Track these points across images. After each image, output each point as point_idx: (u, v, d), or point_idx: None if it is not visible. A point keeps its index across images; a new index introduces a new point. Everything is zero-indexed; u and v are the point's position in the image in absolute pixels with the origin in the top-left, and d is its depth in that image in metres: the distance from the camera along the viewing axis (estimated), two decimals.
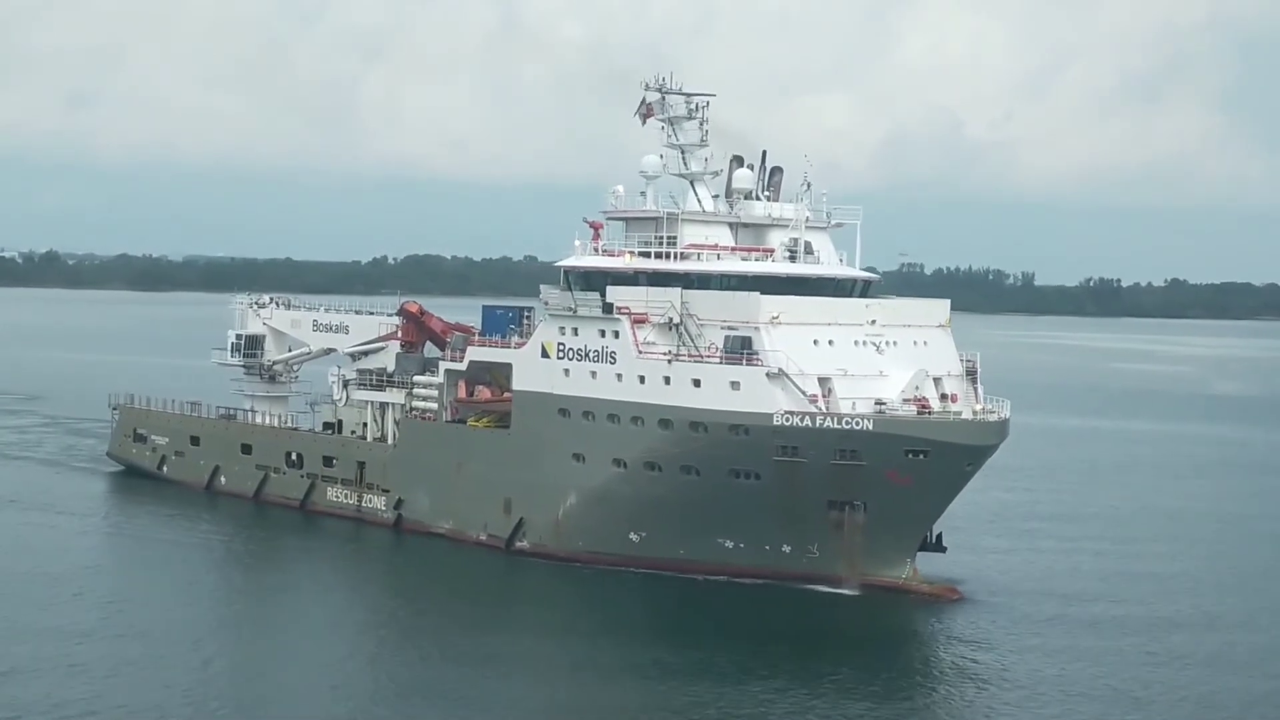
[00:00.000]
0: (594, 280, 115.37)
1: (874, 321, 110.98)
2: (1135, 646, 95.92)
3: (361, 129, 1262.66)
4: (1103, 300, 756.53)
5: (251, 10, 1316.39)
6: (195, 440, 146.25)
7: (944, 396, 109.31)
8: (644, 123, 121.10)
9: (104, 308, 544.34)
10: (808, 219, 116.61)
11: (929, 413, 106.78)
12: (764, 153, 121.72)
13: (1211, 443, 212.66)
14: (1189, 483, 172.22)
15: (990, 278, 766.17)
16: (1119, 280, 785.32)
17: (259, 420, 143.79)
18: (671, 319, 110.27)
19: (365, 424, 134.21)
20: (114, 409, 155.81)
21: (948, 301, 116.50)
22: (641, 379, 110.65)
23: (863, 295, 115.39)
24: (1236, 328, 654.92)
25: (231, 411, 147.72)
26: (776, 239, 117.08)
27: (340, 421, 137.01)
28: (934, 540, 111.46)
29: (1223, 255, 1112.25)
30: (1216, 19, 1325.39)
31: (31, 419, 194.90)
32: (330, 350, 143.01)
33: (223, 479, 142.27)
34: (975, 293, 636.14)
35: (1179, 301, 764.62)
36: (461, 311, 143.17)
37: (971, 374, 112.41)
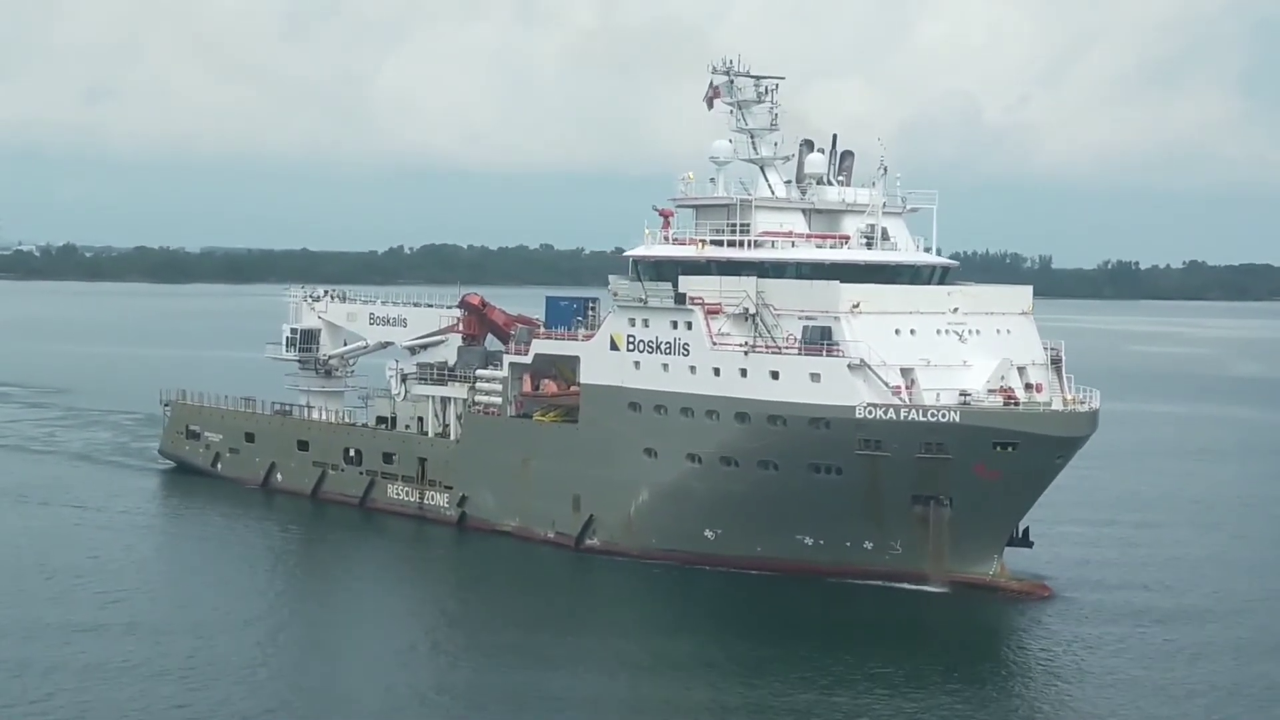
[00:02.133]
0: (665, 270, 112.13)
1: (956, 310, 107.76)
2: (1233, 640, 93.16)
3: (377, 120, 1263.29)
4: (1121, 283, 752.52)
5: (267, 3, 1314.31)
6: (250, 437, 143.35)
7: (1028, 386, 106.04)
8: (710, 106, 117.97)
9: (124, 300, 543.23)
10: (884, 204, 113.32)
11: (1015, 404, 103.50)
12: (834, 136, 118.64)
13: (1255, 426, 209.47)
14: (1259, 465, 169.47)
15: (1008, 261, 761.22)
16: (1137, 263, 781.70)
17: (315, 416, 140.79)
18: (747, 309, 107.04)
19: (420, 418, 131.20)
20: (165, 405, 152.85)
21: (1029, 288, 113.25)
22: (716, 371, 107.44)
23: (941, 282, 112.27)
24: (1256, 309, 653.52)
25: (287, 407, 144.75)
26: (851, 225, 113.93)
27: (394, 416, 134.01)
28: (1020, 535, 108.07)
29: (1241, 237, 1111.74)
30: (1235, 2, 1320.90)
31: (73, 414, 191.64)
32: (387, 344, 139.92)
33: (279, 476, 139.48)
34: (992, 276, 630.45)
35: (1198, 283, 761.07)
36: (519, 301, 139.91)
37: (1056, 363, 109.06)
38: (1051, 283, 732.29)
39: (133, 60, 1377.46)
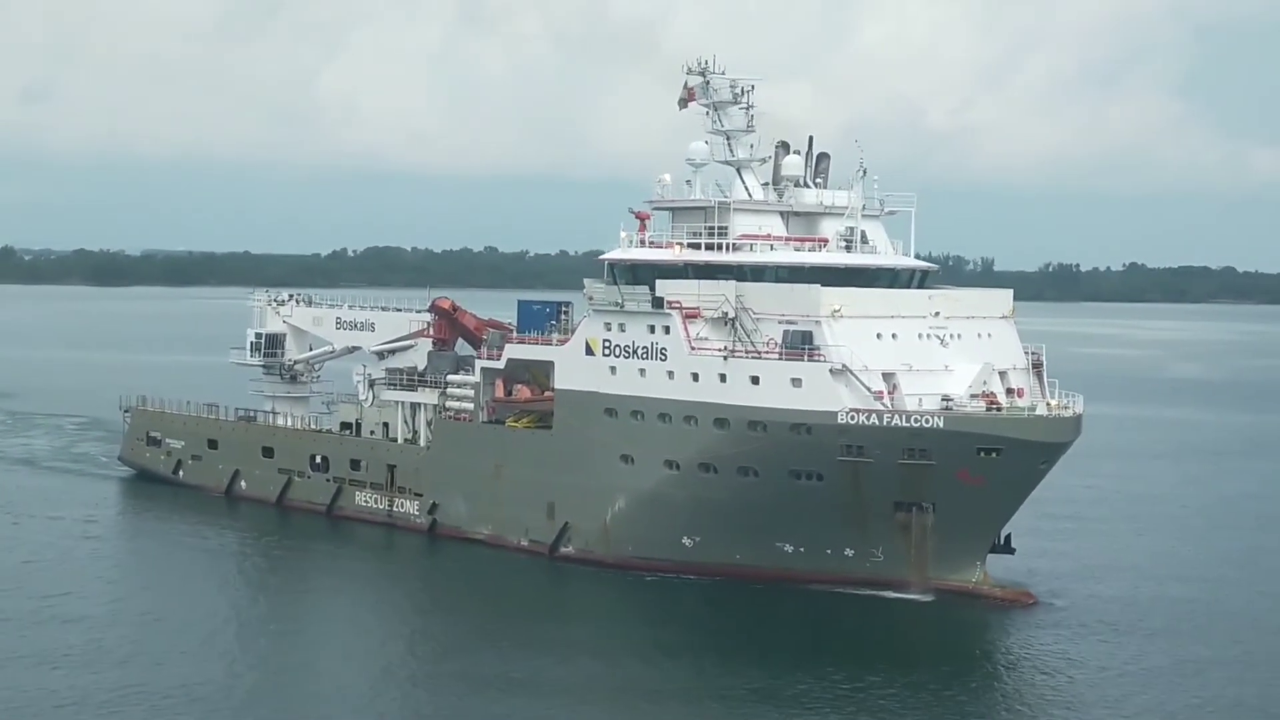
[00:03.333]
0: (641, 273, 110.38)
1: (937, 313, 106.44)
2: (1218, 653, 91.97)
3: (319, 122, 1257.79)
4: (1062, 285, 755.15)
5: (207, 4, 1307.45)
6: (213, 443, 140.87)
7: (1010, 391, 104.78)
8: (682, 107, 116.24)
9: (64, 303, 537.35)
10: (863, 207, 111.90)
11: (998, 409, 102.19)
12: (810, 138, 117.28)
13: (1195, 427, 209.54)
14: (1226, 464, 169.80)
15: (950, 264, 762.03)
16: (1078, 265, 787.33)
17: (280, 422, 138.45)
18: (726, 313, 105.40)
19: (386, 424, 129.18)
20: (125, 411, 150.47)
21: (1010, 292, 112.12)
22: (695, 376, 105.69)
23: (920, 286, 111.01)
24: (1194, 311, 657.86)
25: (251, 413, 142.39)
26: (829, 228, 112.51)
27: (358, 422, 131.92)
28: (1002, 542, 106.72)
29: (1180, 239, 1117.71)
30: (1175, 7, 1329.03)
31: (24, 422, 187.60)
32: (354, 349, 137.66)
33: (243, 483, 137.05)
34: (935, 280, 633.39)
35: (1137, 285, 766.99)
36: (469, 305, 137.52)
37: (1037, 367, 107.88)
38: (993, 285, 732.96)
39: (69, 61, 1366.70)
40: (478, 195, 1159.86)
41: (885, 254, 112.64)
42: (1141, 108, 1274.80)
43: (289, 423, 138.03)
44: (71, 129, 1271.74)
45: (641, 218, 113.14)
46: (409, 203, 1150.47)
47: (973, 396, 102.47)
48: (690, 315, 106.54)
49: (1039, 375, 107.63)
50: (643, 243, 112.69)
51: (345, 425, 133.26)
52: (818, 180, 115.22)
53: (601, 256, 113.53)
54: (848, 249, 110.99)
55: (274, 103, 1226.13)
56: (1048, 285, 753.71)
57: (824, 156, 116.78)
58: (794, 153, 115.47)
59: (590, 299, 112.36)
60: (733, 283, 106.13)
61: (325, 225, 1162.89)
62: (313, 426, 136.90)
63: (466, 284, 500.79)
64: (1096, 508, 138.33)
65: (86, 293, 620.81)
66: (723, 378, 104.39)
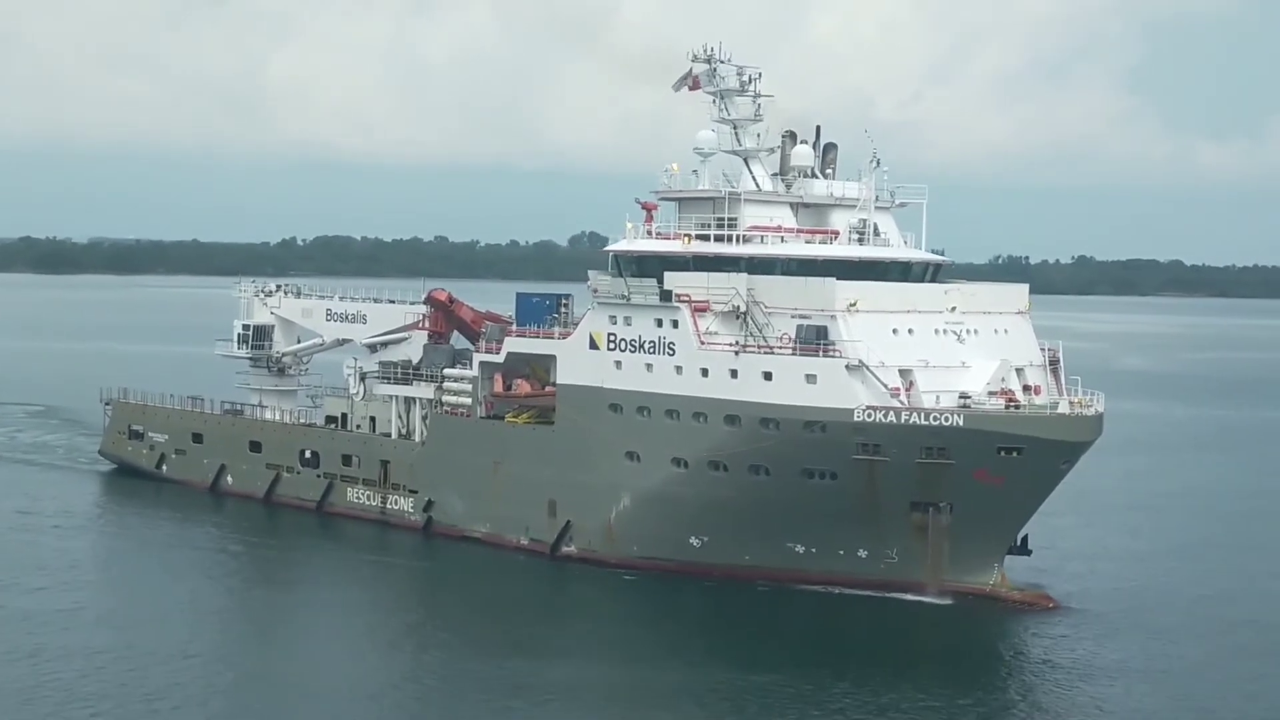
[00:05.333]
0: (648, 265, 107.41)
1: (954, 308, 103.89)
2: (1242, 651, 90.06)
3: (267, 110, 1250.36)
4: (1011, 277, 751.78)
5: None
6: (198, 437, 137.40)
7: (1026, 388, 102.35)
8: (677, 90, 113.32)
9: (9, 291, 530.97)
10: (876, 199, 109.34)
11: (1016, 407, 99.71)
12: (818, 128, 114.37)
13: (1145, 420, 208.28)
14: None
15: None
16: (1027, 258, 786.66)
17: (268, 415, 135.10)
18: (737, 306, 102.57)
19: (373, 418, 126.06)
20: (106, 404, 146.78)
21: (1025, 286, 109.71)
22: (704, 372, 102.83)
23: (933, 279, 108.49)
24: (1142, 304, 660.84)
25: (237, 406, 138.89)
26: (839, 220, 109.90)
27: (344, 416, 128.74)
28: (1019, 543, 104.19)
29: (1128, 233, 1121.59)
30: (1123, 2, 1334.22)
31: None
32: (345, 341, 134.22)
33: (229, 478, 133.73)
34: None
35: (1086, 278, 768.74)
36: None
37: (1054, 364, 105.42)
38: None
39: (13, 48, 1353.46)
40: (427, 184, 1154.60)
41: (897, 247, 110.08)
42: (1090, 102, 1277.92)
43: (277, 416, 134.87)
44: (16, 117, 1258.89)
45: (648, 208, 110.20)
46: (358, 192, 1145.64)
47: (990, 394, 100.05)
48: (699, 309, 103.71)
49: (1055, 373, 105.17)
50: (650, 234, 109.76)
51: (331, 419, 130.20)
52: (827, 171, 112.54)
53: (607, 248, 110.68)
54: (860, 241, 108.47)
55: (222, 90, 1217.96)
56: (997, 278, 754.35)
57: (831, 147, 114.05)
58: (801, 143, 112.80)
59: (595, 291, 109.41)
60: (744, 275, 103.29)
61: (274, 214, 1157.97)
62: (302, 420, 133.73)
63: (415, 273, 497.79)
64: (1099, 503, 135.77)
65: (33, 281, 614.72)
66: (733, 373, 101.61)
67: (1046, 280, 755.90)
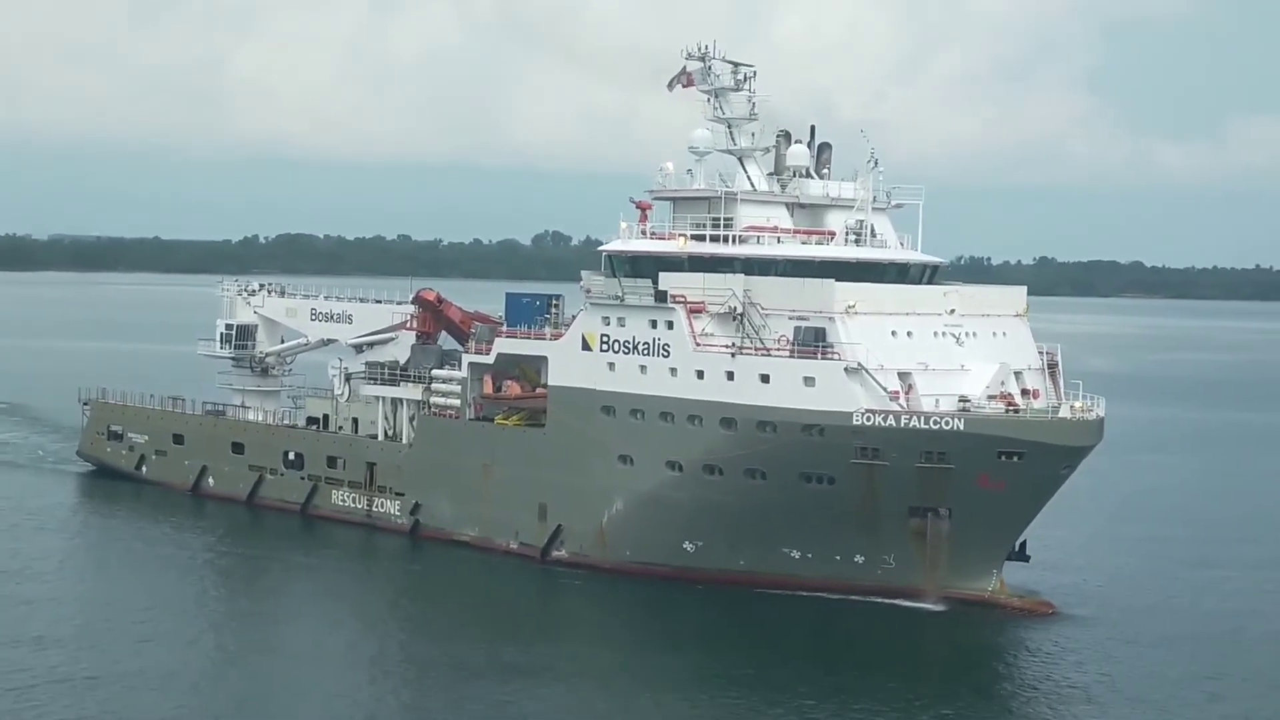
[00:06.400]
0: (643, 265, 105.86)
1: (953, 311, 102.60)
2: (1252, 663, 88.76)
3: (230, 106, 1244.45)
4: (973, 278, 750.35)
5: None
6: (179, 438, 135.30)
7: (1025, 392, 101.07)
8: (671, 89, 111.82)
9: None
10: (874, 199, 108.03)
11: (1016, 410, 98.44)
12: (812, 128, 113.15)
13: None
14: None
15: None
16: (989, 259, 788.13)
17: (250, 416, 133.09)
18: (734, 308, 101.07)
19: (355, 420, 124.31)
20: (84, 404, 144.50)
21: (1024, 288, 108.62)
22: (700, 374, 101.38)
23: (930, 281, 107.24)
24: (1103, 304, 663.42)
25: (219, 407, 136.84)
26: (835, 220, 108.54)
27: (326, 417, 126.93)
28: (1017, 549, 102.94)
29: (1089, 234, 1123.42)
30: (1083, 4, 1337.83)
31: None
32: (330, 341, 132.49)
33: (211, 480, 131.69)
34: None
35: (1047, 279, 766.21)
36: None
37: (1052, 367, 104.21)
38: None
39: None
40: (389, 182, 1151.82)
41: (894, 248, 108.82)
42: (1051, 103, 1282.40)
43: (260, 417, 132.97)
44: None
45: (643, 207, 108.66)
46: (320, 189, 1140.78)
47: (990, 398, 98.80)
48: (695, 310, 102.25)
49: (1054, 376, 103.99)
50: (644, 233, 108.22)
51: (312, 420, 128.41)
52: (823, 172, 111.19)
53: (600, 248, 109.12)
54: (857, 242, 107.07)
55: (184, 86, 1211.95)
56: (960, 278, 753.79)
57: (825, 147, 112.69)
58: (796, 142, 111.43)
59: (588, 292, 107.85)
60: (741, 276, 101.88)
61: (236, 211, 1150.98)
62: (286, 421, 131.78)
63: (378, 272, 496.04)
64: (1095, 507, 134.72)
65: None
66: (730, 375, 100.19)
67: (1008, 281, 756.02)
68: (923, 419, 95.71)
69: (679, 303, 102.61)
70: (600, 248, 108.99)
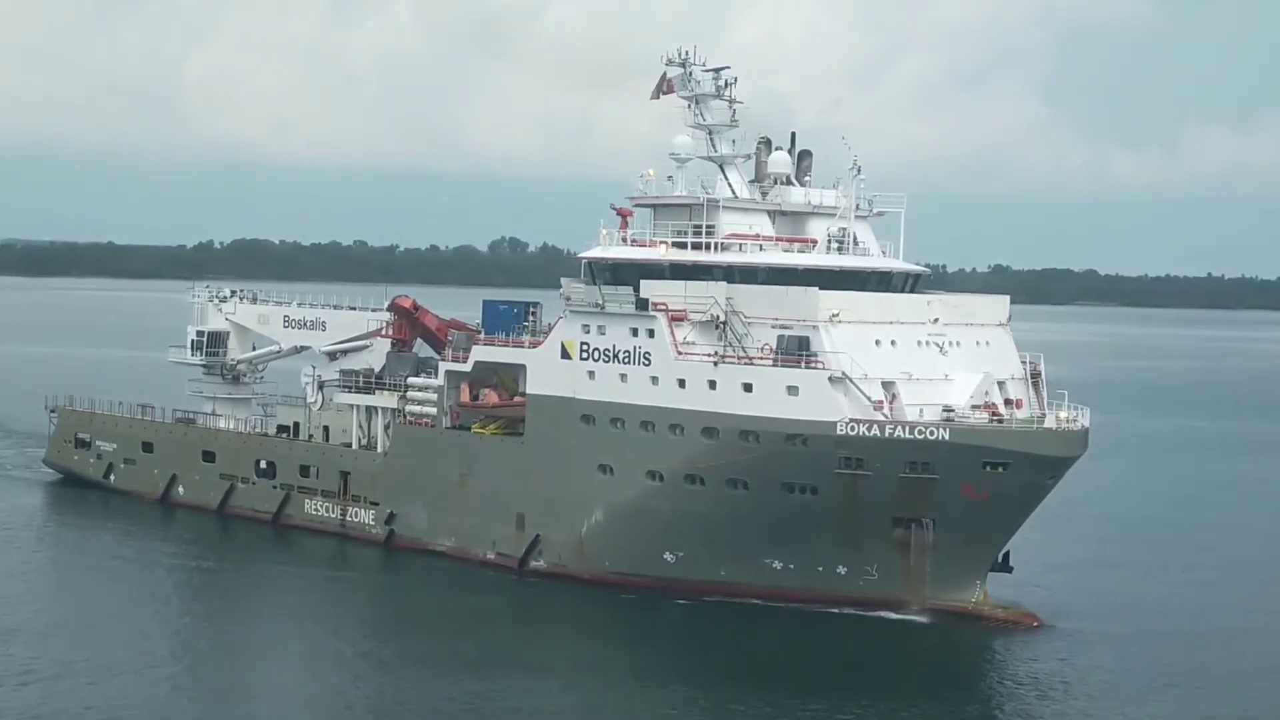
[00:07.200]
0: (623, 273, 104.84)
1: (936, 320, 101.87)
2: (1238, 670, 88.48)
3: (184, 111, 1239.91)
4: (930, 286, 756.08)
5: None
6: (148, 447, 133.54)
7: (1008, 402, 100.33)
8: (655, 96, 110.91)
9: None
10: (857, 207, 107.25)
11: (1000, 420, 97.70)
12: (793, 135, 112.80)
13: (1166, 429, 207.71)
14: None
15: None
16: (944, 266, 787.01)
17: (221, 424, 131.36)
18: (716, 316, 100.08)
19: (326, 428, 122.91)
20: (51, 411, 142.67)
21: (1007, 298, 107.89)
22: (681, 383, 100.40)
23: (912, 290, 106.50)
24: (1057, 313, 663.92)
25: (189, 415, 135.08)
26: (817, 228, 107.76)
27: (296, 425, 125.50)
28: (1000, 560, 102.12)
29: (1044, 242, 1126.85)
30: (1041, 13, 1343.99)
31: None
32: (303, 349, 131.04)
33: (180, 489, 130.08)
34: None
35: (1002, 287, 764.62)
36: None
37: (1035, 377, 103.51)
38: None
39: None
40: (345, 187, 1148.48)
41: (876, 256, 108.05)
42: (1007, 111, 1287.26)
43: (231, 425, 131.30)
44: None
45: (624, 214, 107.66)
46: (276, 194, 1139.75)
47: (974, 407, 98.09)
48: (676, 318, 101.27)
49: (1036, 386, 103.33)
50: (625, 240, 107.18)
51: (283, 428, 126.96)
52: (804, 179, 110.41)
53: (580, 255, 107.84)
54: (839, 251, 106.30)
55: (138, 90, 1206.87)
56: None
57: (806, 154, 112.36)
58: (777, 149, 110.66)
59: (567, 299, 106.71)
60: (723, 284, 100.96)
61: (190, 216, 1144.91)
62: (257, 430, 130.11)
63: (334, 277, 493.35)
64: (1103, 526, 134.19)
65: None
66: (712, 384, 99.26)
67: (963, 289, 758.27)
68: (907, 429, 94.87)
69: (660, 311, 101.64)
70: (580, 255, 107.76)
